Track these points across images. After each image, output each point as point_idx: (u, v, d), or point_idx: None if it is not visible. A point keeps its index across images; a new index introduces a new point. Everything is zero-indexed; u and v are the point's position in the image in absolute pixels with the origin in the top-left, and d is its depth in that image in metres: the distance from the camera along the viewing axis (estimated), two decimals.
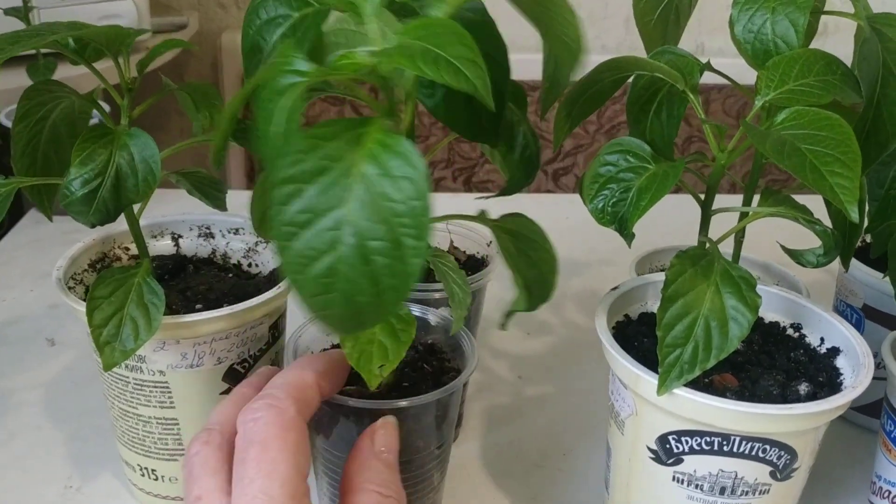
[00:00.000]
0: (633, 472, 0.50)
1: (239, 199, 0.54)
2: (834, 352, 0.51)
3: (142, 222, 0.53)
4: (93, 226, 0.48)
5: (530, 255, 0.43)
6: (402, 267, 0.30)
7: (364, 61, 0.34)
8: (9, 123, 0.73)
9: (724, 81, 0.51)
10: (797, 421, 0.44)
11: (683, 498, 0.48)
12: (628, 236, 0.49)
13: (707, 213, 0.51)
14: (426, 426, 0.46)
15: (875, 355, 0.49)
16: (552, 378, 0.74)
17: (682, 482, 0.47)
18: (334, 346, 0.51)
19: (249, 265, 0.61)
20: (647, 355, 0.48)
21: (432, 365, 0.49)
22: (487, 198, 0.64)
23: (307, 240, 0.30)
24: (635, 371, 0.46)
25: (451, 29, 0.32)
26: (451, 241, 0.66)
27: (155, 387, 0.52)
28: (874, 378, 0.47)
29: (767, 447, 0.45)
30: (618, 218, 0.48)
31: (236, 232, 0.62)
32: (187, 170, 0.57)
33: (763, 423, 0.44)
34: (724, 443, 0.45)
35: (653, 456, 0.48)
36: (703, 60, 0.51)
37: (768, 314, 0.55)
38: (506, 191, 0.56)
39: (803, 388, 0.48)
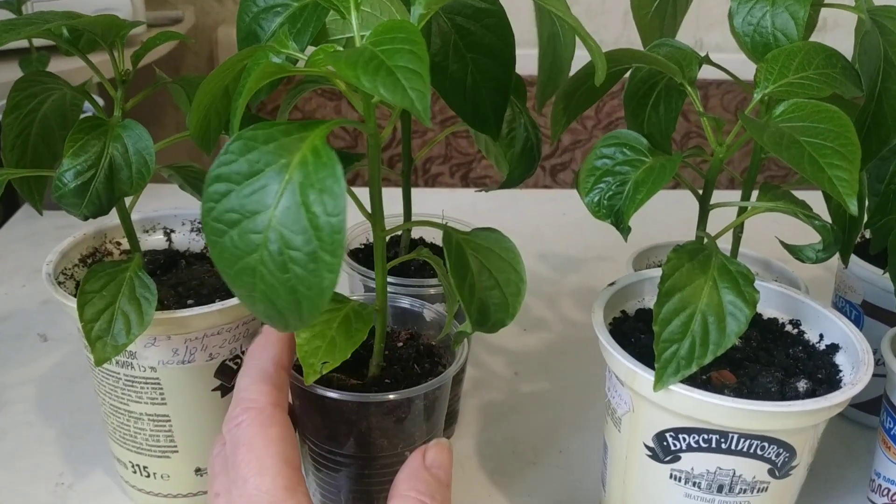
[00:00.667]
0: (630, 470, 0.50)
1: None
2: (833, 348, 0.51)
3: (134, 217, 0.53)
4: (86, 218, 0.47)
5: (494, 275, 0.42)
6: (317, 280, 0.30)
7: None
8: None
9: (723, 77, 0.51)
10: (796, 418, 0.44)
11: (680, 496, 0.47)
12: (624, 230, 0.48)
13: (705, 208, 0.51)
14: (417, 419, 0.46)
15: (874, 352, 0.49)
16: (548, 374, 0.74)
17: (680, 480, 0.47)
18: None
19: None
20: (644, 352, 0.47)
21: (420, 356, 0.49)
22: (488, 190, 0.64)
23: (234, 239, 0.30)
24: (632, 368, 0.45)
25: (408, 35, 0.31)
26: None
27: (146, 383, 0.51)
28: (873, 375, 0.46)
29: (766, 445, 0.45)
30: (614, 211, 0.47)
31: None
32: (180, 164, 0.56)
33: (761, 420, 0.44)
34: (722, 440, 0.45)
35: (650, 453, 0.47)
36: (701, 55, 0.50)
37: (767, 310, 0.54)
38: (507, 183, 0.56)
39: (802, 385, 0.47)
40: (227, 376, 0.53)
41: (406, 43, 0.31)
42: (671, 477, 0.47)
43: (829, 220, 0.51)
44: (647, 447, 0.47)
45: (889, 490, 0.54)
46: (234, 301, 0.50)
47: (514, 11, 0.45)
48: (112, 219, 0.53)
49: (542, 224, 1.00)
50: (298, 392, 0.45)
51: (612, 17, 1.69)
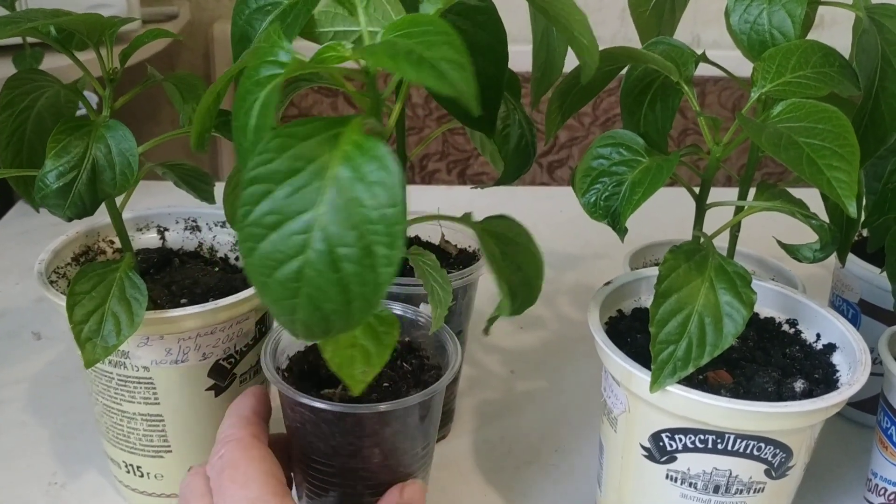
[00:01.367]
0: (626, 470, 0.49)
1: None
2: (830, 348, 0.51)
3: (127, 215, 0.53)
4: (70, 219, 0.47)
5: (515, 259, 0.42)
6: (373, 276, 0.28)
7: (347, 55, 0.33)
8: None
9: (721, 73, 0.50)
10: (792, 419, 0.44)
11: (677, 496, 0.47)
12: (621, 231, 0.48)
13: (702, 207, 0.51)
14: (410, 427, 0.45)
15: (871, 351, 0.48)
16: (544, 373, 0.74)
17: (676, 480, 0.47)
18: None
19: (237, 258, 0.60)
20: (640, 352, 0.47)
21: (412, 363, 0.48)
22: (483, 188, 0.64)
23: (274, 242, 0.28)
24: (628, 368, 0.45)
25: (439, 28, 0.31)
26: (443, 235, 0.65)
27: (139, 383, 0.51)
28: (871, 374, 0.46)
29: (762, 445, 0.44)
30: (610, 212, 0.47)
31: (223, 225, 0.61)
32: (174, 161, 0.56)
33: (758, 421, 0.43)
34: (719, 441, 0.44)
35: (646, 454, 0.47)
36: (699, 52, 0.50)
37: (764, 310, 0.54)
38: (502, 180, 0.55)
39: (799, 385, 0.47)
40: (220, 376, 0.53)
41: (440, 35, 0.30)
42: (667, 477, 0.47)
43: (827, 219, 0.51)
44: (644, 447, 0.47)
45: (886, 489, 0.54)
46: (227, 300, 0.50)
47: (510, 8, 0.45)
48: (105, 217, 0.52)
49: (540, 221, 0.99)
50: (290, 406, 0.45)
51: (610, 14, 1.69)
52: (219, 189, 0.57)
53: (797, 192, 0.50)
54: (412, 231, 0.65)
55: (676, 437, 0.45)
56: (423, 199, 0.67)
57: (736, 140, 0.47)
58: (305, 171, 0.29)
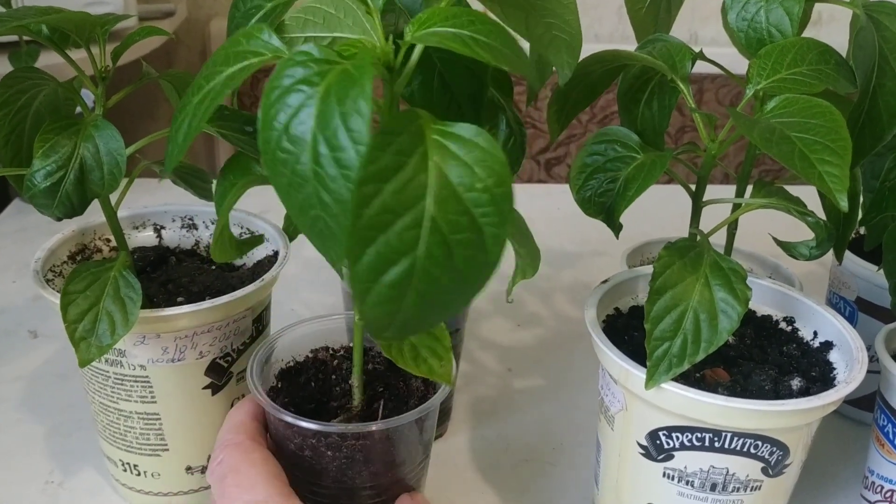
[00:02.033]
0: (623, 468, 0.49)
1: None
2: (827, 346, 0.51)
3: (123, 213, 0.52)
4: (59, 219, 0.47)
5: (517, 224, 0.42)
6: (483, 257, 0.28)
7: (386, 48, 0.33)
8: None
9: (718, 71, 0.50)
10: (789, 417, 0.44)
11: (674, 494, 0.47)
12: (615, 227, 0.48)
13: (698, 205, 0.51)
14: (409, 442, 0.45)
15: (868, 349, 0.48)
16: (542, 371, 0.74)
17: (673, 478, 0.47)
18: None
19: None
20: (637, 349, 0.47)
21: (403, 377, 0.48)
22: None
23: (388, 242, 0.27)
24: (625, 366, 0.45)
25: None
26: None
27: (136, 381, 0.51)
28: (867, 372, 0.46)
29: (759, 443, 0.44)
30: (605, 208, 0.47)
31: None
32: None
33: (755, 419, 0.43)
34: (716, 439, 0.44)
35: (643, 452, 0.47)
36: (696, 49, 0.50)
37: (761, 307, 0.54)
38: None
39: (796, 383, 0.47)
40: (217, 374, 0.53)
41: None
42: (664, 475, 0.47)
43: (824, 217, 0.51)
44: (641, 445, 0.47)
45: (882, 487, 0.54)
46: (224, 299, 0.50)
47: None
48: (101, 215, 0.52)
49: (537, 219, 0.99)
50: (280, 430, 0.44)
51: (607, 11, 1.68)
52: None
53: (794, 190, 0.50)
54: None
55: (673, 435, 0.45)
56: None
57: (732, 137, 0.47)
58: (409, 165, 0.28)
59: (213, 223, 0.61)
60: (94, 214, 0.52)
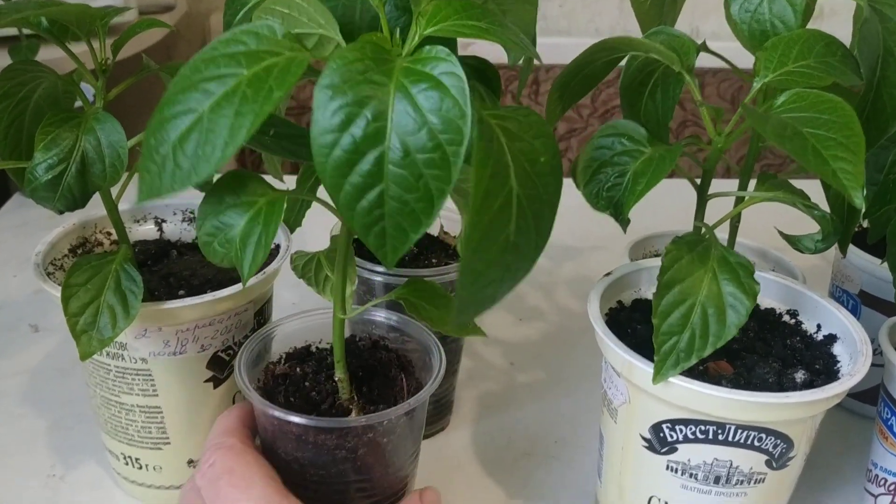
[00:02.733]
0: (626, 461, 0.49)
1: None
2: (831, 339, 0.51)
3: (123, 206, 0.52)
4: (60, 212, 0.46)
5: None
6: (447, 172, 0.31)
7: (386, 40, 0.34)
8: None
9: (720, 65, 0.50)
10: (793, 409, 0.44)
11: (677, 487, 0.47)
12: (624, 222, 0.48)
13: (703, 198, 0.50)
14: (400, 436, 0.44)
15: (871, 341, 0.48)
16: (544, 365, 0.73)
17: (676, 471, 0.46)
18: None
19: None
20: (640, 342, 0.47)
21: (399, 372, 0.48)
22: None
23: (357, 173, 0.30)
24: (629, 359, 0.45)
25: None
26: (441, 227, 0.65)
27: (137, 374, 0.51)
28: (871, 365, 0.46)
29: (763, 436, 0.44)
30: (613, 203, 0.47)
31: None
32: None
33: (758, 411, 0.43)
34: (719, 431, 0.44)
35: (646, 444, 0.47)
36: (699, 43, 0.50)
37: (764, 300, 0.54)
38: None
39: (800, 375, 0.47)
40: (218, 368, 0.52)
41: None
42: (668, 468, 0.47)
43: (828, 210, 0.51)
44: (644, 438, 0.47)
45: (886, 480, 0.54)
46: (225, 292, 0.49)
47: None
48: (101, 208, 0.52)
49: None
50: (268, 426, 0.44)
51: (608, 5, 1.68)
52: None
53: (797, 183, 0.50)
54: None
55: (677, 427, 0.45)
56: None
57: (737, 130, 0.47)
58: (375, 99, 0.30)
59: None
60: (95, 208, 0.52)
